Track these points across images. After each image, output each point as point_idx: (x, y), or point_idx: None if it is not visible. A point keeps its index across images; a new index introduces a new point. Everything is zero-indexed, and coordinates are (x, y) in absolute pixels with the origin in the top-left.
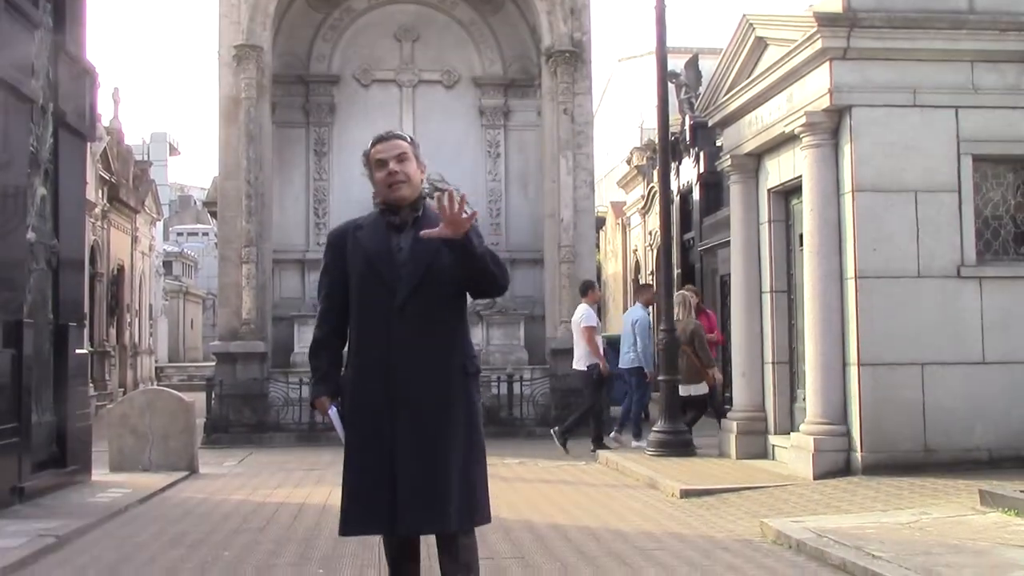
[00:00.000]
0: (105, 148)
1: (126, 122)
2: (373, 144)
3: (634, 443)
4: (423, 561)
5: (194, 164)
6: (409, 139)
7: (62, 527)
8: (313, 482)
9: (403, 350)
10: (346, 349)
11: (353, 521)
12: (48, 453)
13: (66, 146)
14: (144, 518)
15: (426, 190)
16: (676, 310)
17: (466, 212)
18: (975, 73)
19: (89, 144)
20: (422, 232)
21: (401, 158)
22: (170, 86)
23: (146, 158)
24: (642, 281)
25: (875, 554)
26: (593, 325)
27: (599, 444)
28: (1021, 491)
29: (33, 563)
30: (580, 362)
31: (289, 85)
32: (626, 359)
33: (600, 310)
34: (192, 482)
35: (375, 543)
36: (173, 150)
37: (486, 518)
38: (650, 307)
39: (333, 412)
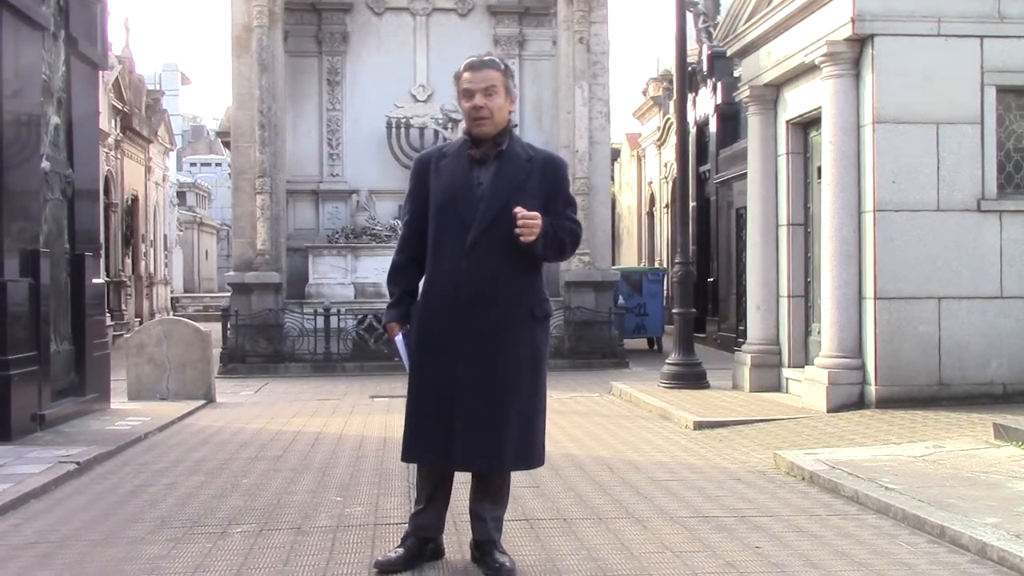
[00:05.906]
0: (117, 77)
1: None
2: (464, 69)
3: None
4: None
5: (207, 94)
6: (503, 67)
7: (83, 454)
8: (329, 412)
9: (471, 287)
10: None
11: (414, 449)
12: (67, 381)
13: (78, 74)
14: (163, 446)
15: (439, 120)
16: None
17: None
18: (1001, 1)
19: (101, 73)
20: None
21: (489, 91)
22: (181, 16)
23: (158, 87)
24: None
25: (888, 486)
26: None
27: None
28: None
29: (55, 489)
30: None
31: (301, 13)
32: None
33: (615, 241)
34: (209, 411)
35: (393, 472)
36: (185, 80)
37: (540, 461)
38: None
39: (399, 339)
